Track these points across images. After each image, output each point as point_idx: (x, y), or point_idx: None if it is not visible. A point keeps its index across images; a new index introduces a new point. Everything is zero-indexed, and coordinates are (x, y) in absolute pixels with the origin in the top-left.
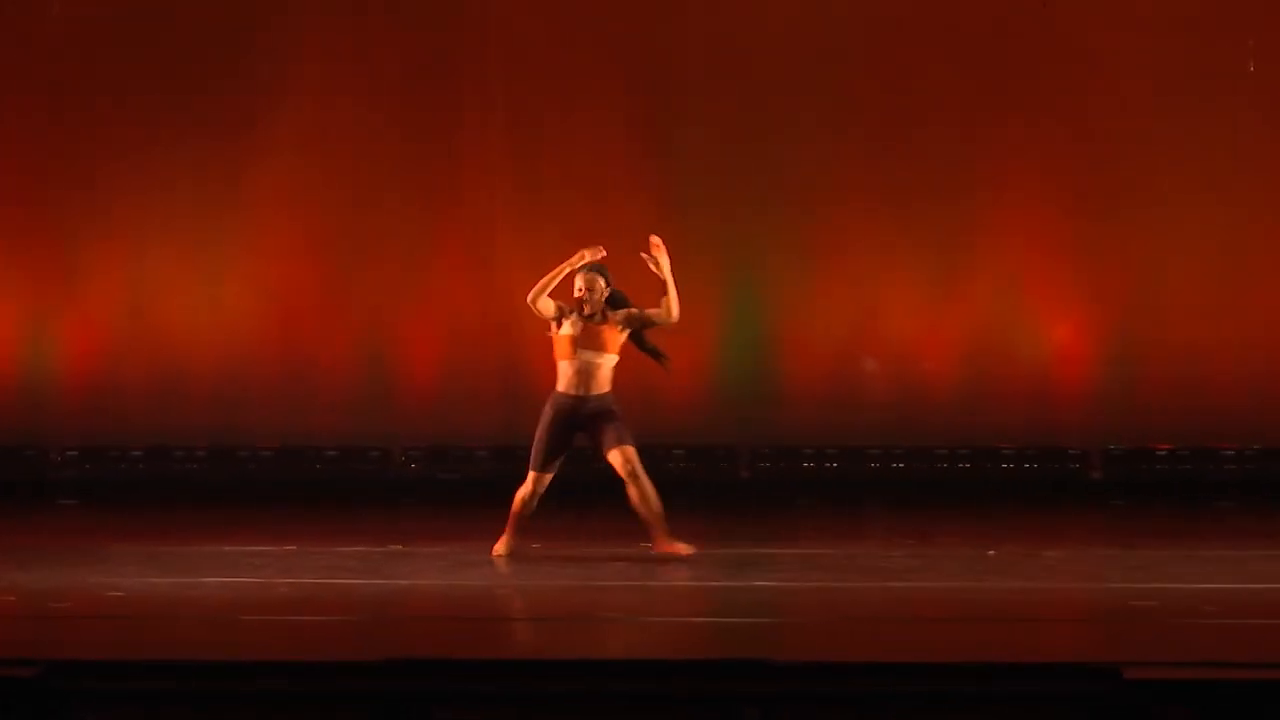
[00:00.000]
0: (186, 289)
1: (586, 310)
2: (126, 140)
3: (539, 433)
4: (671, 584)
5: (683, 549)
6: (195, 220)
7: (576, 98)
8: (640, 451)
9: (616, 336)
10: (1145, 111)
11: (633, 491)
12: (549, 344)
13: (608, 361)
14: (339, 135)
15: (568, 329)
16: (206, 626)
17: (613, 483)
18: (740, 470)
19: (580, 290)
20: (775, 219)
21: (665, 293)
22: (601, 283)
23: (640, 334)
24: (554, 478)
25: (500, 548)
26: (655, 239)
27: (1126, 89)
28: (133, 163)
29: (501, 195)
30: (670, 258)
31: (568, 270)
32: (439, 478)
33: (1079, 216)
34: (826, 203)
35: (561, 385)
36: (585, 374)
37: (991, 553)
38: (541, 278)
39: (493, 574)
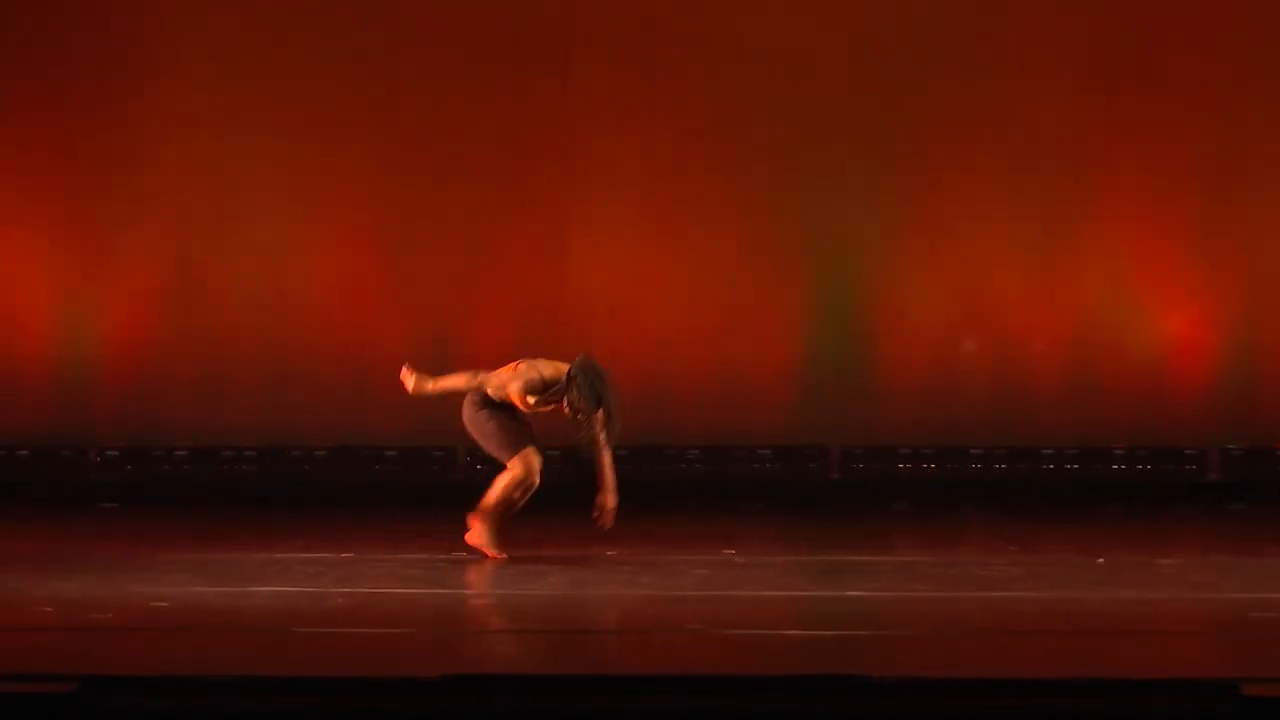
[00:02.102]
0: (235, 280)
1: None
2: (170, 127)
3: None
4: (758, 594)
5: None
6: (243, 208)
7: (655, 77)
8: (724, 452)
9: None
10: (1269, 89)
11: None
12: (621, 336)
13: None
14: (401, 118)
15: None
16: (257, 639)
17: (687, 485)
18: (831, 471)
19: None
20: (869, 202)
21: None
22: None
23: None
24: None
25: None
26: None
27: (1249, 65)
28: (177, 150)
29: (576, 179)
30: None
31: None
32: None
33: (1195, 200)
34: (925, 185)
35: None
36: None
37: (1101, 560)
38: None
39: (564, 583)
